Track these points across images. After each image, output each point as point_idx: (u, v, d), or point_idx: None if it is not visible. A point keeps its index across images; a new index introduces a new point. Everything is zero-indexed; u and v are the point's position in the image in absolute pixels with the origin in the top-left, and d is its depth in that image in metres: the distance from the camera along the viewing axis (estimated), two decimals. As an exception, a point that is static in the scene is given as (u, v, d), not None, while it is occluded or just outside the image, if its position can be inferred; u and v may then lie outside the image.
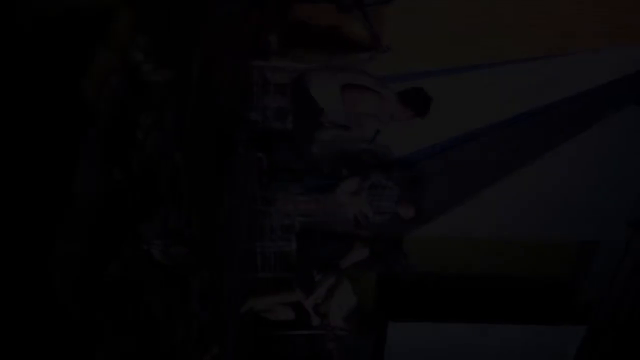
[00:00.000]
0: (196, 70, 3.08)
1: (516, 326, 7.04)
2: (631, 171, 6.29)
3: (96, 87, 1.75)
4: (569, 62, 5.67)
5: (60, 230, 1.57)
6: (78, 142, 1.72)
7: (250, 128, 4.00)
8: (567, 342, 7.27)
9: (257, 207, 4.72)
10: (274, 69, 4.02)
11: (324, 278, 4.61)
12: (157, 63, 2.15)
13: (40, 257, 1.47)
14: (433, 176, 6.28)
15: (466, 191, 6.36)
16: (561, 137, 5.98)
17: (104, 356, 1.78)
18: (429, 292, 6.83)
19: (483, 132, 6.09)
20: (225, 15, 3.86)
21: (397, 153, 6.24)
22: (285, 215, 4.88)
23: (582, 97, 5.82)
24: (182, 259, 2.26)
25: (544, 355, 7.40)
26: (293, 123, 3.83)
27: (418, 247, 6.44)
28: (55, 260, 1.52)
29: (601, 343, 7.25)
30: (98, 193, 1.86)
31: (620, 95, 5.86)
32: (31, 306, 1.43)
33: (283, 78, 4.25)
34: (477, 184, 6.33)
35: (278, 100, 4.21)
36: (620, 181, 6.34)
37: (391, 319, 6.78)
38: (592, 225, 6.77)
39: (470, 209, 6.40)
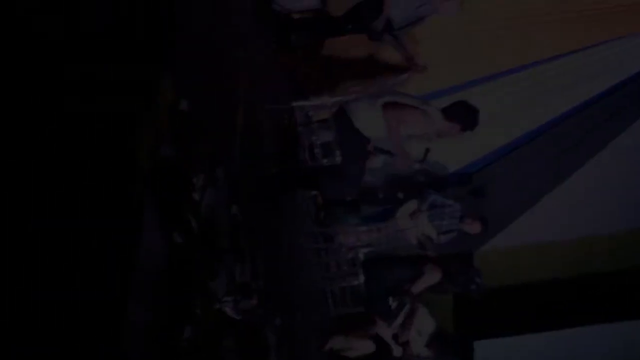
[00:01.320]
0: (239, 120, 3.13)
1: (606, 326, 6.66)
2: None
3: (147, 155, 1.78)
4: (605, 49, 5.52)
5: (130, 300, 1.58)
6: (138, 212, 1.74)
7: (301, 168, 4.01)
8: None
9: (319, 245, 4.70)
10: (314, 107, 4.04)
11: (399, 306, 4.50)
12: (202, 122, 2.18)
13: (112, 328, 1.48)
14: (493, 186, 6.11)
15: (530, 196, 6.15)
16: (619, 125, 5.75)
17: None
18: (508, 305, 6.57)
19: (535, 133, 5.93)
20: (261, 60, 3.93)
21: (452, 168, 6.13)
22: (348, 249, 4.83)
23: (630, 84, 5.62)
24: (253, 312, 2.25)
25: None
26: (342, 156, 3.82)
27: (488, 261, 6.24)
28: (128, 331, 1.53)
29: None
30: (162, 259, 1.88)
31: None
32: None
33: (325, 113, 4.27)
34: (539, 186, 6.12)
35: (323, 136, 4.23)
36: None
37: (475, 339, 6.55)
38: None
39: (537, 214, 6.18)
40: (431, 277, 4.27)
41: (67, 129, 1.48)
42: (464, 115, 3.86)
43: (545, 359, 6.95)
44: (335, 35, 4.84)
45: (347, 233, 5.05)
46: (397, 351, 4.57)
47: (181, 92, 2.08)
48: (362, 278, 4.32)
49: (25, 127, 1.40)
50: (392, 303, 4.51)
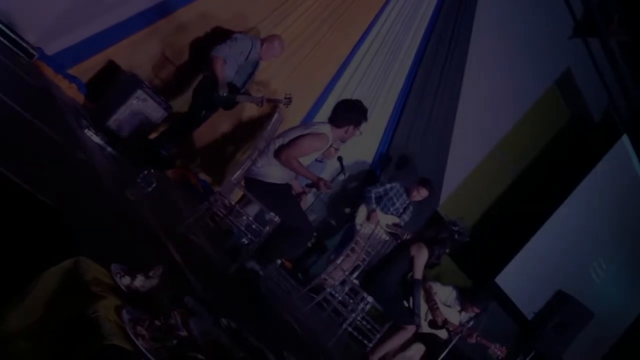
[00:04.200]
0: (174, 252, 3.08)
1: (581, 186, 6.99)
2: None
3: (116, 330, 1.69)
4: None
5: None
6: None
7: (251, 252, 3.94)
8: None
9: (316, 301, 4.63)
10: (224, 193, 4.02)
11: (415, 297, 4.46)
12: (143, 273, 2.11)
13: None
14: (410, 149, 6.33)
15: (442, 134, 6.41)
16: (464, 35, 6.13)
17: None
18: (493, 232, 6.74)
19: (408, 83, 6.23)
20: (155, 192, 3.89)
21: (370, 158, 6.29)
22: (342, 285, 4.79)
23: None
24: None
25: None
26: (278, 215, 3.80)
27: (452, 208, 6.40)
28: None
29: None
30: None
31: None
32: None
33: (238, 192, 4.28)
34: (443, 123, 6.39)
35: (251, 211, 4.21)
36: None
37: (494, 277, 6.66)
38: (546, 65, 6.90)
39: (458, 145, 6.43)
40: (421, 254, 4.26)
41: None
42: (349, 114, 3.88)
43: (555, 249, 7.14)
44: (196, 127, 4.88)
45: (330, 272, 5.02)
46: (442, 334, 4.54)
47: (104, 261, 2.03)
48: (370, 298, 4.27)
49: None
50: (408, 303, 4.49)
